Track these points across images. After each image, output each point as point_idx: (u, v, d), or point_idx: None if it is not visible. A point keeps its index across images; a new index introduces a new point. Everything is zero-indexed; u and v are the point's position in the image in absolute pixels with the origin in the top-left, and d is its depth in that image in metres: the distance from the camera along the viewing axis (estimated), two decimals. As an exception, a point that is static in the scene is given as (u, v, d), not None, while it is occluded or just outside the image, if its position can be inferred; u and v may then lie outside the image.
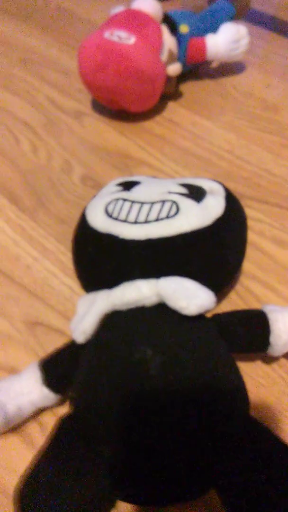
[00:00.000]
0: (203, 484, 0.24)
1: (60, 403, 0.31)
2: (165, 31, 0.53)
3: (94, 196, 0.36)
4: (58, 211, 0.46)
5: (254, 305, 0.36)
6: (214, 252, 0.31)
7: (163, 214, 0.30)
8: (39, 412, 0.31)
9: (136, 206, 0.31)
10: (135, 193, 0.32)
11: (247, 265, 0.39)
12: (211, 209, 0.31)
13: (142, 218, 0.30)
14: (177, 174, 0.49)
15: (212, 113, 0.58)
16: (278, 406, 0.31)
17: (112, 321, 0.28)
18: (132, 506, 0.27)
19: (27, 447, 0.30)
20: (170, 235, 0.29)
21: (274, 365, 0.33)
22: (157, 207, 0.30)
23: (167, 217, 0.30)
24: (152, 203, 0.31)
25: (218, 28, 0.57)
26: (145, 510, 0.27)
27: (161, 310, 0.27)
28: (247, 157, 0.51)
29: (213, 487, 0.24)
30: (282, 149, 0.52)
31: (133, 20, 0.52)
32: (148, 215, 0.30)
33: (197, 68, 0.64)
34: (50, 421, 0.31)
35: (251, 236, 0.40)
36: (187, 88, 0.62)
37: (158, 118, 0.57)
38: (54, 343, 0.32)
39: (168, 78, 0.55)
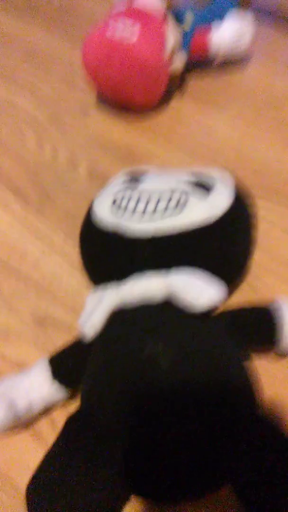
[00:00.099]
0: (216, 479, 0.24)
1: (70, 398, 0.31)
2: (169, 25, 0.53)
3: (101, 189, 0.36)
4: (65, 205, 0.45)
5: (266, 296, 0.36)
6: (222, 246, 0.30)
7: (172, 205, 0.29)
8: (49, 408, 0.31)
9: (144, 197, 0.30)
10: (143, 185, 0.32)
11: (259, 256, 0.38)
12: (219, 202, 0.31)
13: (150, 209, 0.29)
14: (182, 167, 0.49)
15: (218, 104, 0.57)
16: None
17: (121, 316, 0.28)
18: (146, 503, 0.27)
19: (38, 444, 0.30)
20: (178, 229, 0.29)
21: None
22: (165, 198, 0.30)
23: (176, 208, 0.29)
24: (161, 194, 0.30)
25: (223, 16, 0.56)
26: (159, 508, 0.27)
27: (170, 305, 0.27)
28: (253, 149, 0.50)
29: (227, 482, 0.24)
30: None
31: (137, 14, 0.51)
32: (156, 206, 0.29)
33: (201, 62, 0.63)
34: (60, 417, 0.31)
35: (262, 226, 0.40)
36: (192, 81, 0.61)
37: (163, 111, 0.56)
38: (62, 338, 0.32)
39: (173, 72, 0.54)
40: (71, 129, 0.55)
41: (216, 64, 0.60)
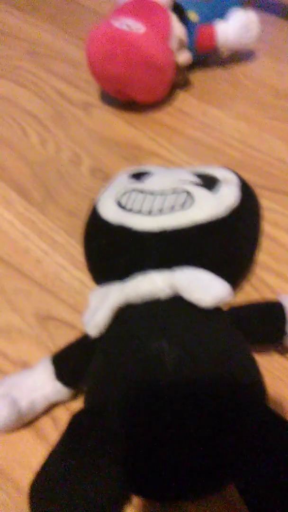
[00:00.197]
0: (220, 479, 0.24)
1: (73, 397, 0.31)
2: (174, 19, 0.52)
3: (104, 187, 0.35)
4: (68, 204, 0.45)
5: (269, 296, 0.36)
6: (229, 243, 0.30)
7: (177, 204, 0.29)
8: (52, 407, 0.31)
9: (149, 197, 0.30)
10: (148, 184, 0.32)
11: (261, 256, 0.38)
12: (225, 198, 0.30)
13: (156, 208, 0.29)
14: (187, 164, 0.48)
15: (222, 102, 0.57)
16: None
17: (126, 314, 0.27)
18: (148, 501, 0.27)
19: (40, 442, 0.30)
20: (184, 226, 0.28)
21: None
22: (171, 197, 0.30)
23: (181, 207, 0.29)
24: (166, 194, 0.30)
25: (227, 16, 0.56)
26: (162, 505, 0.27)
27: (176, 302, 0.27)
28: (259, 146, 0.50)
29: (231, 481, 0.24)
30: (295, 138, 0.51)
31: (142, 8, 0.51)
32: (162, 205, 0.29)
33: (206, 58, 0.63)
34: (63, 416, 0.31)
35: (265, 226, 0.40)
36: (197, 77, 0.61)
37: (167, 108, 0.56)
38: (65, 337, 0.32)
39: (178, 67, 0.54)
40: (74, 127, 0.55)
41: (224, 57, 0.59)
